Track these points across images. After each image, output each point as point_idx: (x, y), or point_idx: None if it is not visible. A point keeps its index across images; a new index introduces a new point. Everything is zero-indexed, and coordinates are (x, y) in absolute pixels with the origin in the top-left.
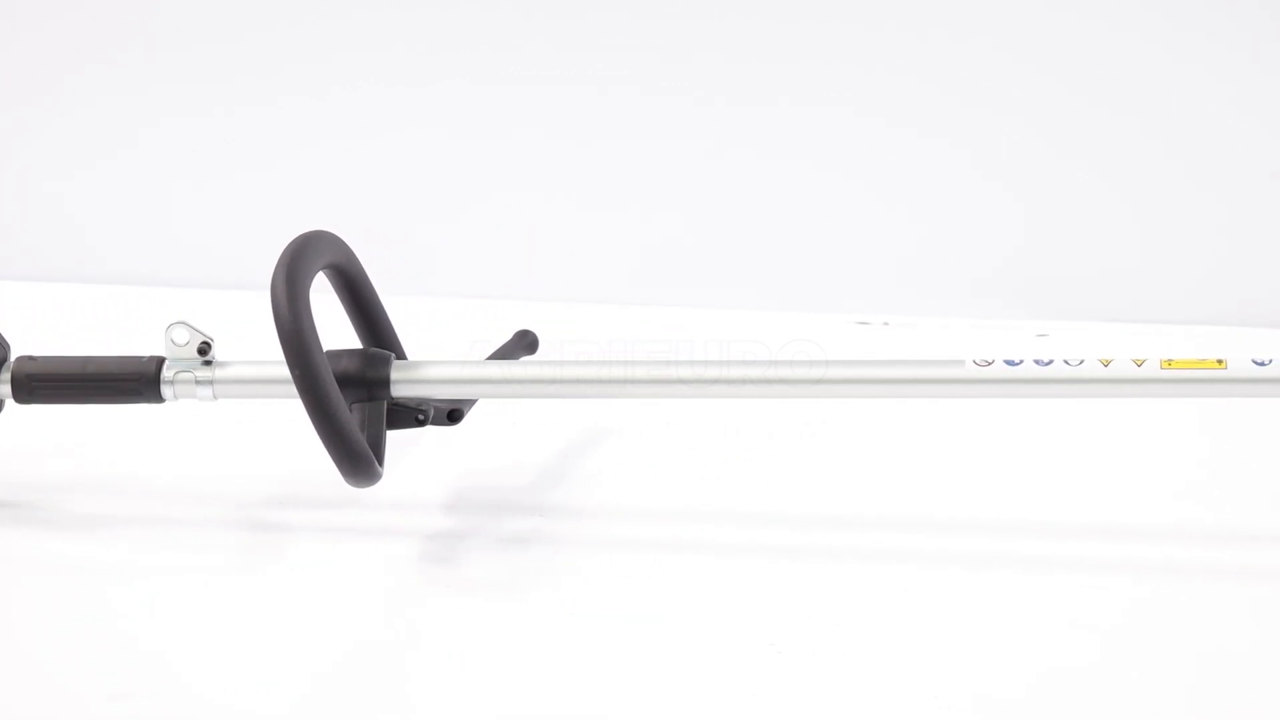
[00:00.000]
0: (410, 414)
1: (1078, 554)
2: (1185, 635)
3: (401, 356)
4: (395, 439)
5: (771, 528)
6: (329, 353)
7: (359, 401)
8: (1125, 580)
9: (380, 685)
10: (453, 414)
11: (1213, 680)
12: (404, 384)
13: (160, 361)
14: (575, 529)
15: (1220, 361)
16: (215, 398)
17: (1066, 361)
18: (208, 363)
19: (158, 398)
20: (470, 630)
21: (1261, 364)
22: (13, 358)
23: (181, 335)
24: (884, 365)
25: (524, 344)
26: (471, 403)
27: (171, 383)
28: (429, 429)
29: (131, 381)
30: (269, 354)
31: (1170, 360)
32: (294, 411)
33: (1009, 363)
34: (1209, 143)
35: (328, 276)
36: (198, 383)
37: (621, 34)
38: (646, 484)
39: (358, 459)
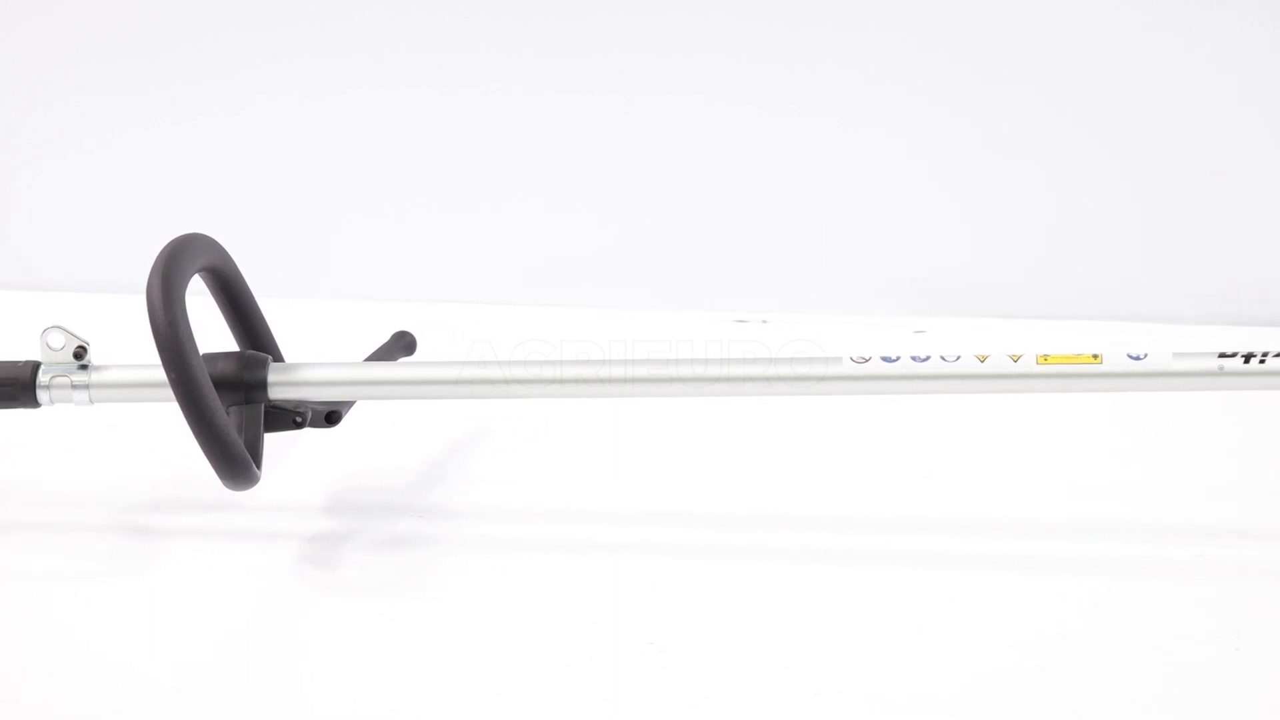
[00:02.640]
0: (288, 416)
1: (964, 550)
2: (1090, 633)
3: (279, 359)
4: (273, 441)
5: (650, 526)
6: (205, 356)
7: (236, 404)
8: (1002, 577)
9: (259, 688)
10: (331, 416)
11: (1138, 677)
12: (281, 386)
13: (36, 366)
14: (455, 530)
15: (1096, 356)
16: (91, 402)
17: (943, 357)
18: (84, 367)
19: (33, 403)
20: (350, 632)
21: (1137, 358)
22: None
23: (57, 339)
24: (762, 363)
25: (402, 345)
26: (349, 404)
27: (47, 387)
28: (307, 431)
29: (6, 387)
30: (146, 358)
31: (1046, 355)
32: (171, 415)
33: (886, 359)
34: (1082, 138)
35: (204, 279)
36: (73, 387)
37: (513, 33)
38: (525, 484)
39: (235, 462)
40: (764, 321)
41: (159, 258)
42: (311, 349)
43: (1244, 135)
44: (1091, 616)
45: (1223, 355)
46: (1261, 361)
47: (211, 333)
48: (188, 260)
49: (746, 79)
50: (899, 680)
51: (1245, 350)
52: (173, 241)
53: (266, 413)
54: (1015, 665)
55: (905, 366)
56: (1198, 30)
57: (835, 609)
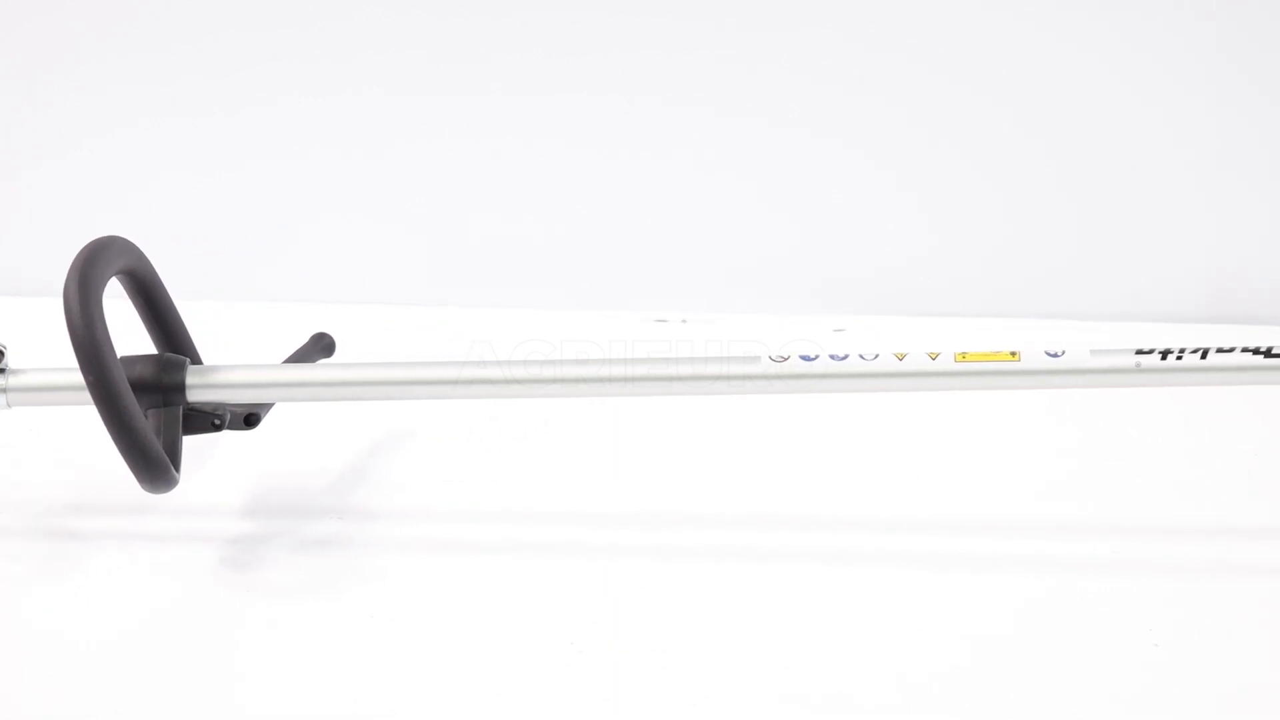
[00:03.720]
0: (206, 419)
1: (885, 549)
2: (1009, 631)
3: (197, 361)
4: (192, 444)
5: (571, 527)
6: (123, 358)
7: (154, 407)
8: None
9: (179, 690)
10: (249, 418)
11: (1056, 674)
12: (200, 389)
13: None
14: (376, 531)
15: (1014, 354)
16: (9, 405)
17: (861, 356)
18: (1, 371)
19: None
20: (270, 633)
21: (1054, 355)
22: None
23: None
24: (681, 363)
25: (320, 347)
26: (268, 406)
27: None
28: (226, 433)
29: None
30: (64, 361)
31: (965, 353)
32: (89, 418)
33: (805, 358)
34: (998, 140)
35: (121, 282)
36: None
37: (433, 32)
38: (446, 485)
39: (153, 465)
40: (683, 321)
41: (76, 261)
42: (230, 350)
43: (1159, 134)
44: (1009, 615)
45: (1140, 352)
46: (1178, 358)
47: (130, 336)
48: (105, 263)
49: (672, 79)
50: (810, 678)
51: (1162, 347)
52: (89, 244)
53: (185, 415)
54: (935, 664)
55: (824, 365)
56: (1114, 30)
57: (759, 609)
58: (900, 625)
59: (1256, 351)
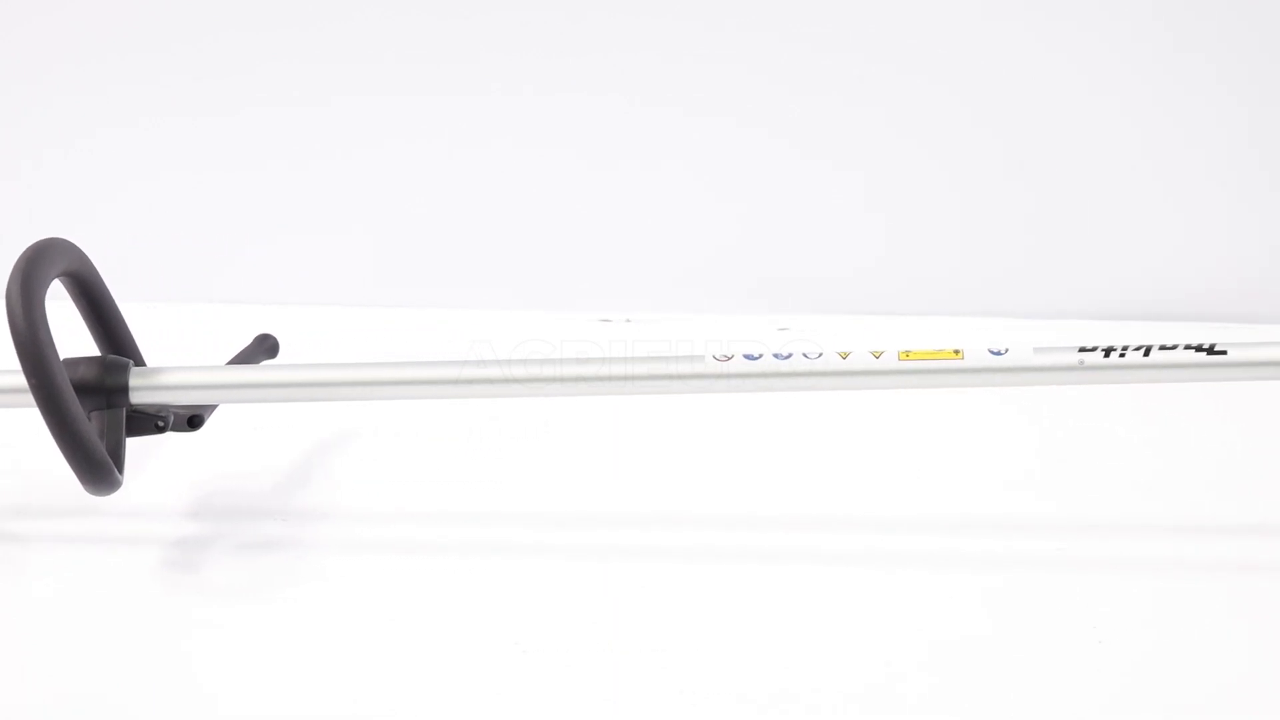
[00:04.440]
0: (150, 420)
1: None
2: (953, 628)
3: (140, 363)
4: (135, 446)
5: (516, 527)
6: (66, 360)
7: (98, 409)
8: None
9: (122, 693)
10: (193, 420)
11: (1001, 672)
12: (143, 390)
13: None
14: (319, 532)
15: (957, 352)
16: None
17: (805, 355)
18: None
19: None
20: (214, 636)
21: (998, 353)
22: None
23: None
24: (624, 362)
25: (264, 348)
26: (212, 408)
27: None
28: (169, 435)
29: None
30: (6, 363)
31: (908, 351)
32: (32, 420)
33: (748, 357)
34: (939, 136)
35: (64, 284)
36: None
37: (359, 34)
38: (390, 486)
39: (96, 467)
40: (628, 321)
41: (18, 263)
42: (173, 352)
43: (1101, 132)
44: (954, 612)
45: (1083, 350)
46: (1121, 355)
47: (73, 338)
48: (47, 265)
49: (610, 75)
50: (770, 678)
51: (1105, 344)
52: (32, 246)
53: (128, 417)
54: (873, 663)
55: (768, 364)
56: (1059, 26)
57: (701, 609)
58: (845, 624)
59: (1199, 349)
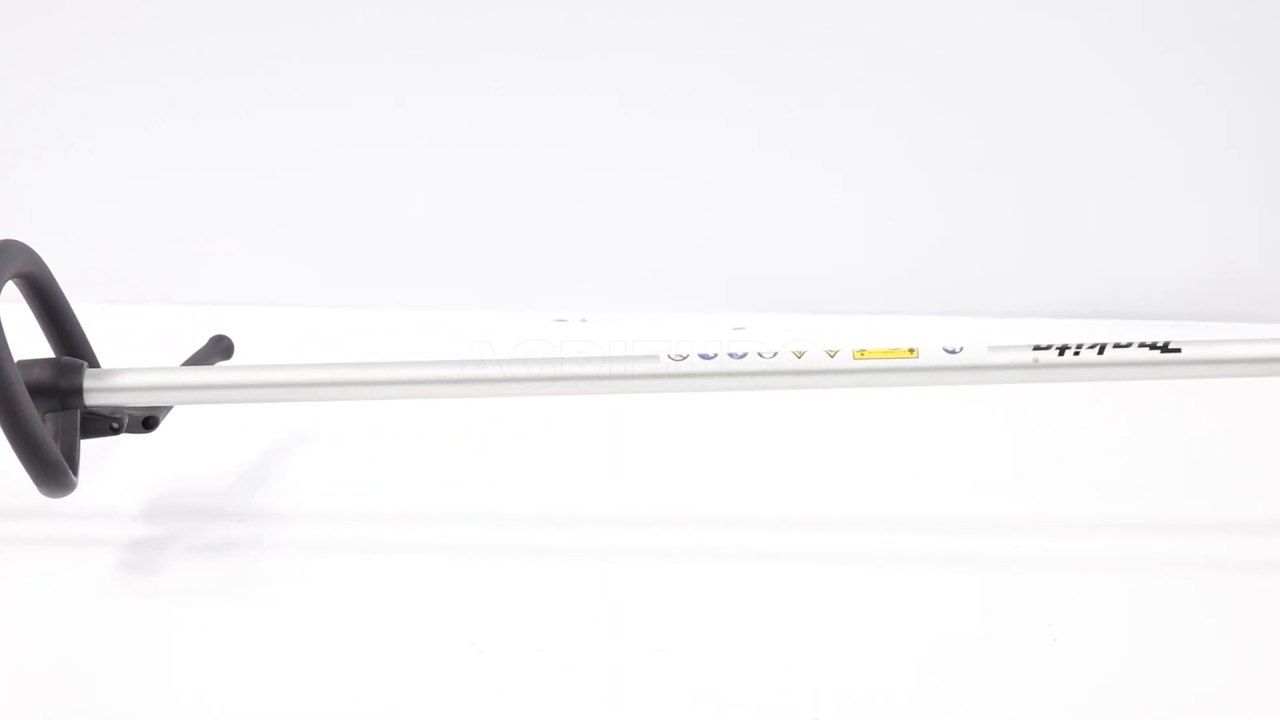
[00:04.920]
0: (104, 422)
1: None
2: (907, 626)
3: (95, 365)
4: (90, 447)
5: (473, 527)
6: (20, 363)
7: (52, 411)
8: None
9: (79, 695)
10: (148, 421)
11: (956, 670)
12: (97, 392)
13: None
14: (276, 533)
15: (912, 351)
16: None
17: (760, 354)
18: None
19: None
20: (170, 638)
21: (952, 351)
22: None
23: None
24: (577, 362)
25: (219, 349)
26: (166, 409)
27: None
28: (124, 437)
29: None
30: None
31: (863, 351)
32: None
33: (704, 356)
34: (894, 135)
35: (18, 286)
36: None
37: (308, 36)
38: (346, 487)
39: (51, 469)
40: (583, 320)
41: None
42: (126, 354)
43: (1056, 132)
44: (909, 610)
45: (1038, 348)
46: (1076, 353)
47: (27, 339)
48: (1, 266)
49: (571, 76)
50: (710, 678)
51: (1060, 343)
52: None
53: (83, 419)
54: (829, 660)
55: (723, 364)
56: (1013, 28)
57: (648, 609)
58: (798, 623)
59: (1154, 347)
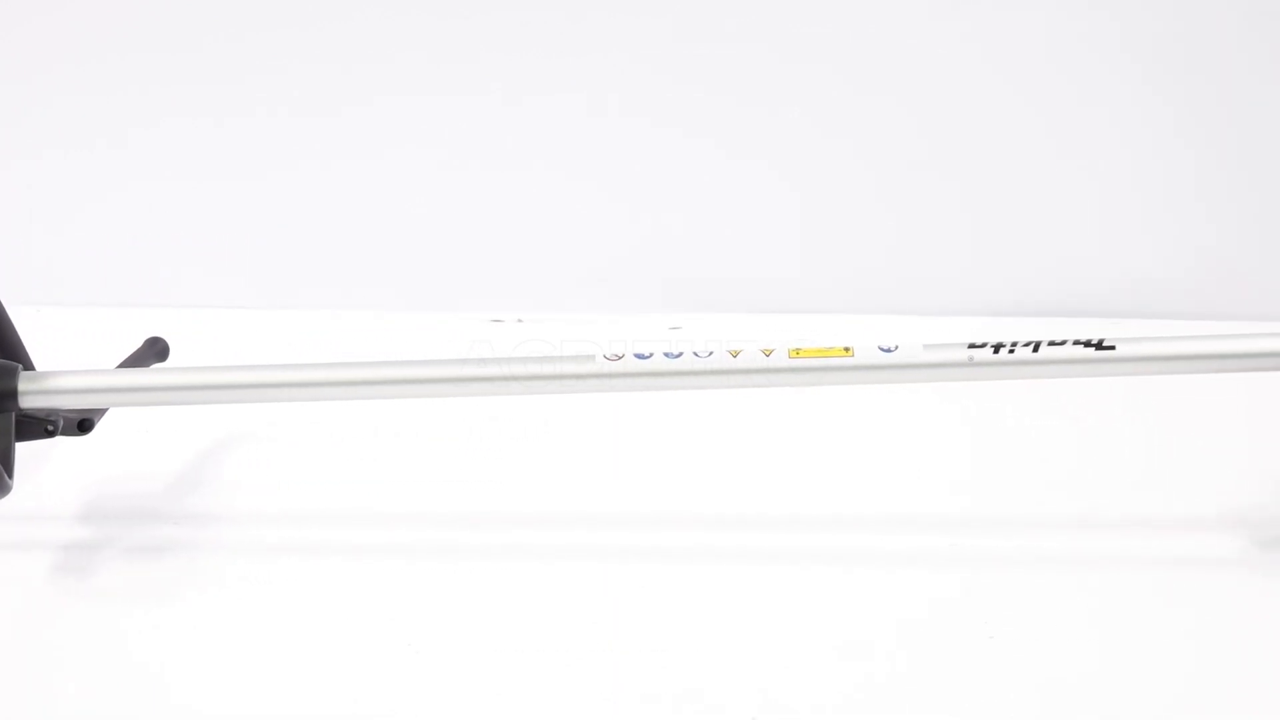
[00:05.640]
0: (39, 425)
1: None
2: (847, 623)
3: (30, 367)
4: (25, 450)
5: (409, 529)
6: None
7: None
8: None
9: (13, 699)
10: (83, 424)
11: (894, 667)
12: (32, 395)
13: None
14: (212, 535)
15: (847, 349)
16: None
17: (696, 353)
18: None
19: None
20: (106, 640)
21: (888, 350)
22: None
23: None
24: (512, 362)
25: (154, 351)
26: (102, 412)
27: None
28: (59, 439)
29: None
30: None
31: (798, 349)
32: None
33: (639, 356)
34: (829, 133)
35: None
36: None
37: (246, 40)
38: (282, 489)
39: None
40: (519, 321)
41: None
42: (60, 356)
43: (992, 128)
44: (848, 607)
45: (972, 346)
46: (1011, 351)
47: None
48: None
49: (502, 76)
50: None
51: (995, 341)
52: None
53: (18, 421)
54: (768, 657)
55: (658, 363)
56: (948, 23)
57: (590, 608)
58: (740, 622)
59: (1088, 344)
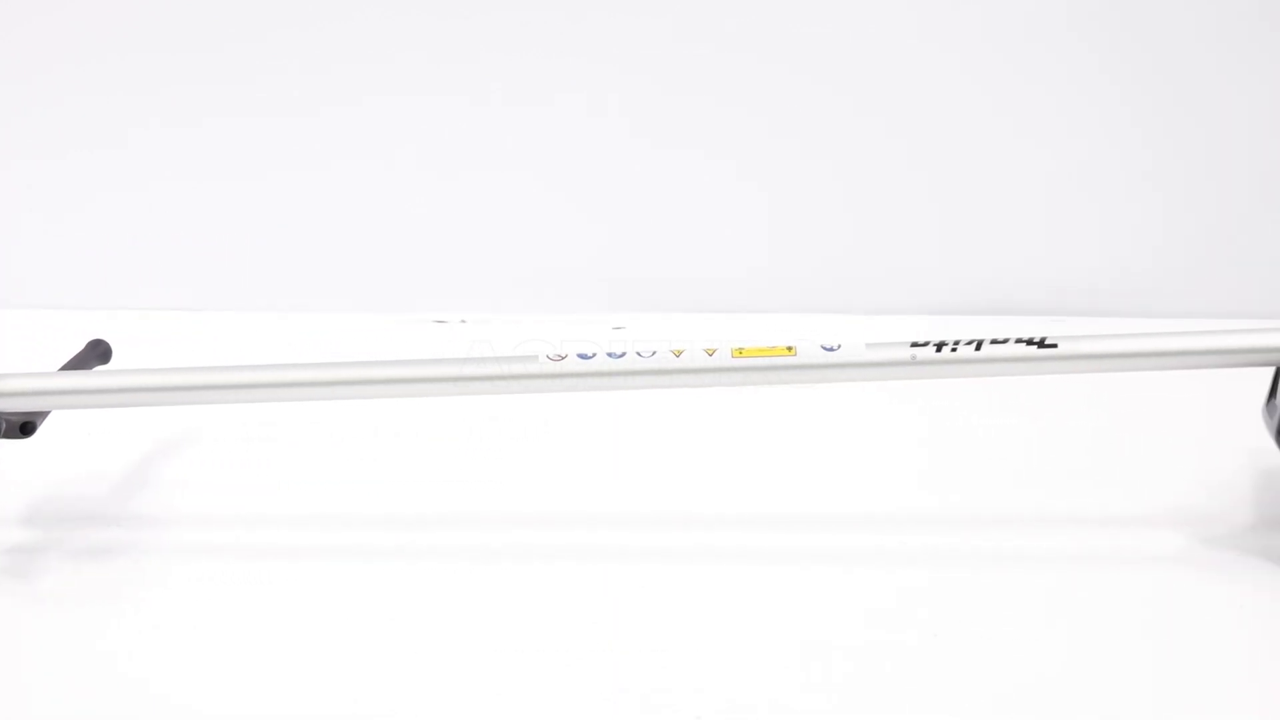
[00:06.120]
0: None
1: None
2: (793, 622)
3: None
4: None
5: (357, 530)
6: None
7: None
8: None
9: None
10: (25, 426)
11: (838, 665)
12: None
13: None
14: (157, 538)
15: (790, 349)
16: None
17: (639, 353)
18: None
19: None
20: (48, 644)
21: (830, 349)
22: None
23: None
24: (452, 363)
25: (97, 354)
26: (44, 415)
27: None
28: (1, 443)
29: None
30: None
31: (741, 349)
32: None
33: (582, 356)
34: (773, 130)
35: None
36: None
37: (193, 45)
38: (227, 491)
39: None
40: (463, 321)
41: None
42: (10, 359)
43: (936, 127)
44: (797, 606)
45: (915, 344)
46: (953, 350)
47: None
48: None
49: (438, 78)
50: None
51: (937, 339)
52: None
53: None
54: (714, 655)
55: (601, 363)
56: (903, 22)
57: (562, 610)
58: (691, 622)
59: (1030, 342)
